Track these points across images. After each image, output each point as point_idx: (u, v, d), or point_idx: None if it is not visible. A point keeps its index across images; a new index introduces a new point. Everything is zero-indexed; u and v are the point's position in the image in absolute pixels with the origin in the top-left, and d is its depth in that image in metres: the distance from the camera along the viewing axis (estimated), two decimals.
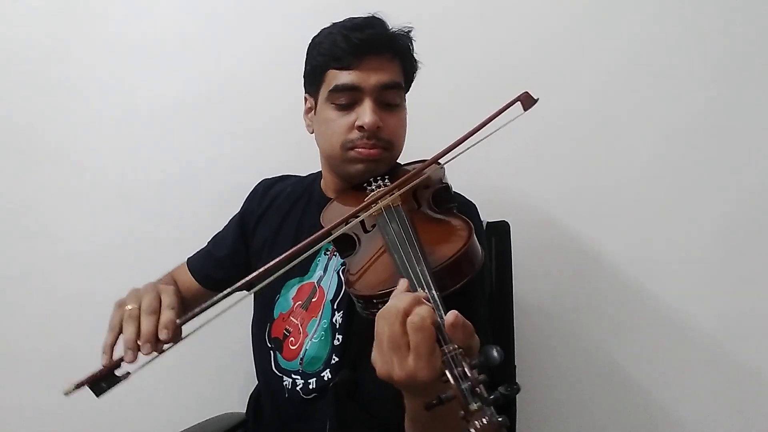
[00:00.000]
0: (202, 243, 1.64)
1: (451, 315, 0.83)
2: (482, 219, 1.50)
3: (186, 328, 1.15)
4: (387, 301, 0.91)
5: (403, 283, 0.93)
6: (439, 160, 1.25)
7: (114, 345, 1.10)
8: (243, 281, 1.15)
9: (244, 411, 1.59)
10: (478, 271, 1.06)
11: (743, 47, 1.81)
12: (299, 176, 1.63)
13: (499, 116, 1.22)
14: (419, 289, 0.92)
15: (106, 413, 1.95)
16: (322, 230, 1.16)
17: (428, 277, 0.94)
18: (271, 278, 1.13)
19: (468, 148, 1.20)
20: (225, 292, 1.14)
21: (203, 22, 1.97)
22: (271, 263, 1.13)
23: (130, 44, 1.98)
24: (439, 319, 0.85)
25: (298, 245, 1.13)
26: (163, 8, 1.97)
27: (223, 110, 1.97)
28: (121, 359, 1.06)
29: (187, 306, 1.45)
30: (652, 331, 1.86)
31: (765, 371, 1.82)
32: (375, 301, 1.00)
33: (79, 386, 1.03)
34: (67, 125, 1.99)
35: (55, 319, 1.97)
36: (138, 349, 1.07)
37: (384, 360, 0.87)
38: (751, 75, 1.81)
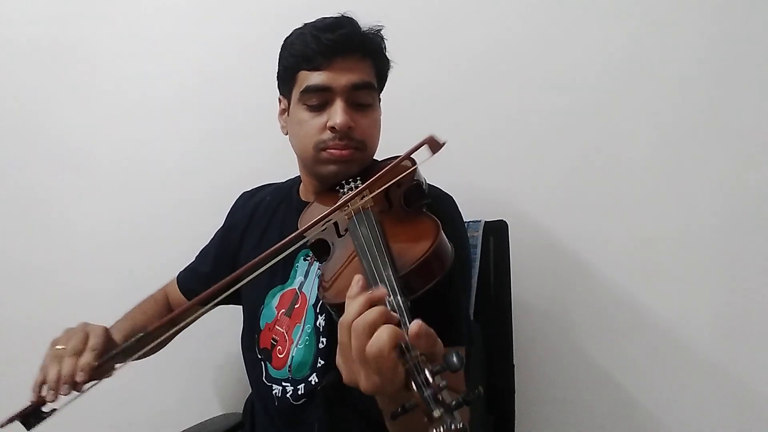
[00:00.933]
0: (201, 241, 1.66)
1: (415, 325, 0.82)
2: (481, 218, 1.50)
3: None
4: None
5: (357, 280, 0.92)
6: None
7: (42, 383, 1.15)
8: (168, 317, 1.24)
9: (241, 412, 1.60)
10: (448, 270, 1.05)
11: (744, 46, 1.78)
12: (277, 183, 1.63)
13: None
14: (387, 300, 0.91)
15: (106, 413, 1.97)
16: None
17: (394, 283, 0.94)
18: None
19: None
20: (139, 335, 1.23)
21: (203, 22, 1.99)
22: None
23: (130, 43, 2.00)
24: (403, 327, 0.84)
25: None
26: (163, 8, 1.99)
27: (224, 109, 1.99)
28: (45, 398, 1.13)
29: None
30: (650, 330, 1.84)
31: (763, 372, 1.79)
32: None
33: (10, 420, 1.11)
34: (67, 125, 2.01)
35: (55, 319, 1.97)
36: (58, 390, 1.13)
37: (349, 369, 0.87)
38: (750, 75, 1.78)
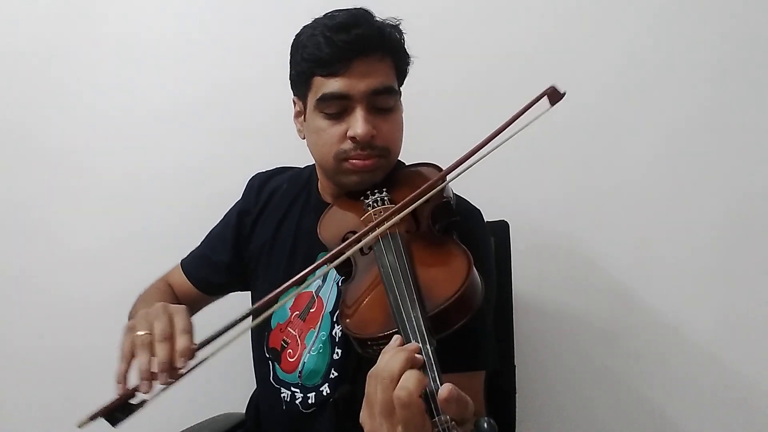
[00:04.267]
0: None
1: (445, 390, 0.77)
2: None
3: None
4: (381, 344, 0.88)
5: (396, 340, 0.87)
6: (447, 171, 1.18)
7: (127, 373, 1.03)
8: (255, 306, 1.10)
9: (244, 411, 1.59)
10: (477, 308, 1.00)
11: (744, 47, 1.80)
12: (295, 169, 1.58)
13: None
14: (413, 341, 0.87)
15: None
16: (321, 261, 1.10)
17: (422, 327, 0.88)
18: (275, 308, 1.09)
19: (485, 155, 1.16)
20: (242, 315, 1.08)
21: (203, 22, 1.95)
22: (273, 294, 1.08)
23: (130, 44, 1.96)
24: (432, 383, 0.80)
25: (299, 275, 1.08)
26: (164, 8, 1.95)
27: (223, 110, 1.95)
28: (137, 389, 1.00)
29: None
30: (651, 331, 1.86)
31: (762, 372, 1.82)
32: (369, 343, 0.97)
33: (93, 418, 0.97)
34: (67, 125, 1.98)
35: (55, 319, 1.97)
36: (154, 378, 1.00)
37: (373, 423, 0.83)
38: (751, 76, 1.80)
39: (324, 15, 1.27)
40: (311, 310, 1.32)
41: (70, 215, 1.98)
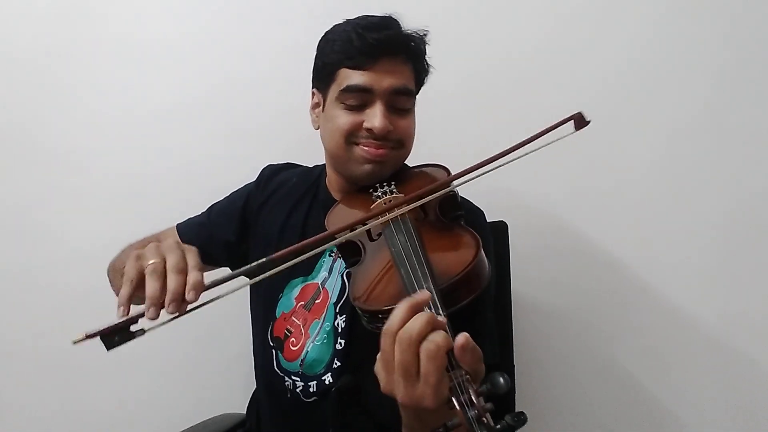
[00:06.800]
0: None
1: (462, 337, 0.81)
2: None
3: None
4: None
5: (415, 296, 0.88)
6: (458, 171, 1.19)
7: (131, 298, 0.99)
8: (254, 264, 1.05)
9: (244, 411, 1.59)
10: (486, 286, 1.03)
11: (744, 48, 1.82)
12: (305, 167, 1.60)
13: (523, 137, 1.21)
14: (426, 310, 0.88)
15: (107, 413, 1.96)
16: (327, 232, 1.11)
17: (435, 297, 0.91)
18: (271, 272, 1.05)
19: (498, 167, 1.19)
20: (254, 265, 1.05)
21: (203, 23, 1.97)
22: (276, 254, 1.06)
23: (130, 44, 1.97)
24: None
25: (302, 242, 1.07)
26: (163, 8, 1.96)
27: (223, 110, 1.96)
28: (141, 315, 0.95)
29: None
30: (651, 330, 1.87)
31: (763, 371, 1.83)
32: (380, 316, 0.97)
33: (90, 336, 0.92)
34: (67, 125, 1.98)
35: (56, 318, 1.96)
36: (162, 306, 0.96)
37: (389, 380, 0.85)
38: (751, 76, 1.81)
39: (357, 17, 1.34)
40: (316, 301, 1.34)
41: (70, 215, 1.98)
